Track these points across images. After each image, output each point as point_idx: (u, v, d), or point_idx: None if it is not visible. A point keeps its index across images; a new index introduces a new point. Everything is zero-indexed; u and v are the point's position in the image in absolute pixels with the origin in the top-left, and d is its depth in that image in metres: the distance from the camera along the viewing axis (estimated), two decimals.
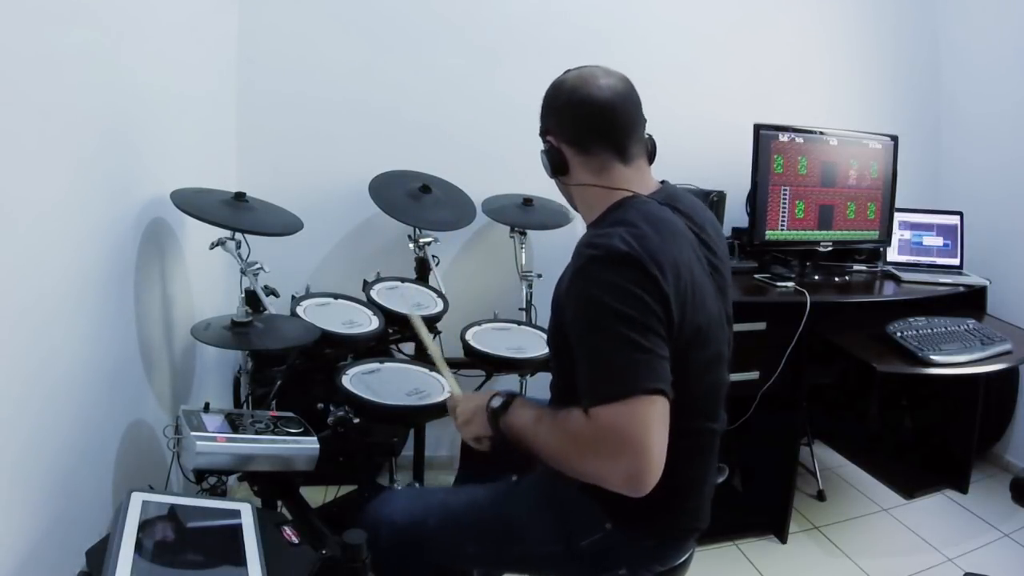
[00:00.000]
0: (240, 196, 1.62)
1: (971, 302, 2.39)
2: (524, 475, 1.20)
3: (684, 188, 1.19)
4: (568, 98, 1.09)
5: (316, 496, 1.70)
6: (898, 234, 2.55)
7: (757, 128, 2.22)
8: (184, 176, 1.69)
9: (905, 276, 2.40)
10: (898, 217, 2.51)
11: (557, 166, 1.12)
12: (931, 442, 2.64)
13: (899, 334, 2.01)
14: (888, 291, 2.32)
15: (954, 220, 2.55)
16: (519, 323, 2.05)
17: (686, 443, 1.06)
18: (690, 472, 1.10)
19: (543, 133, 1.14)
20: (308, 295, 1.86)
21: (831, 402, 2.61)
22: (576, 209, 1.19)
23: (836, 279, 2.37)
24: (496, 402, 1.09)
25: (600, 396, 0.91)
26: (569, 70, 1.14)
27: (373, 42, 2.27)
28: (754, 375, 2.02)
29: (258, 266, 1.64)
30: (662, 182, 1.16)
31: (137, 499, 0.98)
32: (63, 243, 1.19)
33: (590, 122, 1.09)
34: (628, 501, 0.92)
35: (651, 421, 0.90)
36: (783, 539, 2.16)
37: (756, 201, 2.24)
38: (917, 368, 1.91)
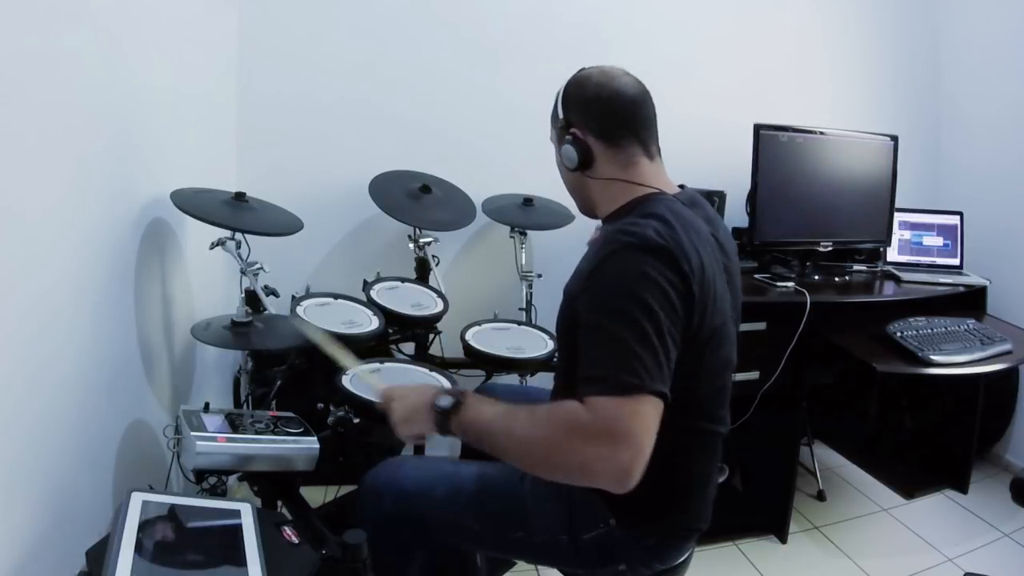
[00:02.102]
0: (240, 196, 1.62)
1: (971, 302, 2.39)
2: None
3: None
4: (598, 92, 1.10)
5: (316, 496, 1.70)
6: (898, 234, 2.55)
7: (757, 128, 2.21)
8: (184, 176, 1.69)
9: (905, 276, 2.39)
10: (898, 217, 2.51)
11: (584, 159, 1.11)
12: (931, 442, 2.64)
13: (899, 334, 2.01)
14: (888, 291, 2.32)
15: (954, 220, 2.55)
16: (519, 323, 2.05)
17: (689, 442, 1.06)
18: (693, 472, 1.10)
19: (565, 127, 1.12)
20: (308, 295, 1.86)
21: (831, 402, 2.61)
22: (587, 204, 1.18)
23: (836, 279, 2.37)
24: (445, 402, 1.01)
25: (609, 384, 0.89)
26: (585, 68, 1.14)
27: (373, 42, 2.27)
28: (754, 375, 2.02)
29: (258, 266, 1.64)
30: (680, 186, 1.16)
31: (137, 499, 0.98)
32: (63, 243, 1.19)
33: (620, 115, 1.09)
34: (632, 499, 0.92)
35: (651, 422, 0.89)
36: (783, 539, 2.16)
37: (756, 201, 2.24)
38: (917, 368, 1.91)
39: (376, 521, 1.06)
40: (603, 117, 1.10)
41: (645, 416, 0.89)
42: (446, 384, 1.55)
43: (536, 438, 0.94)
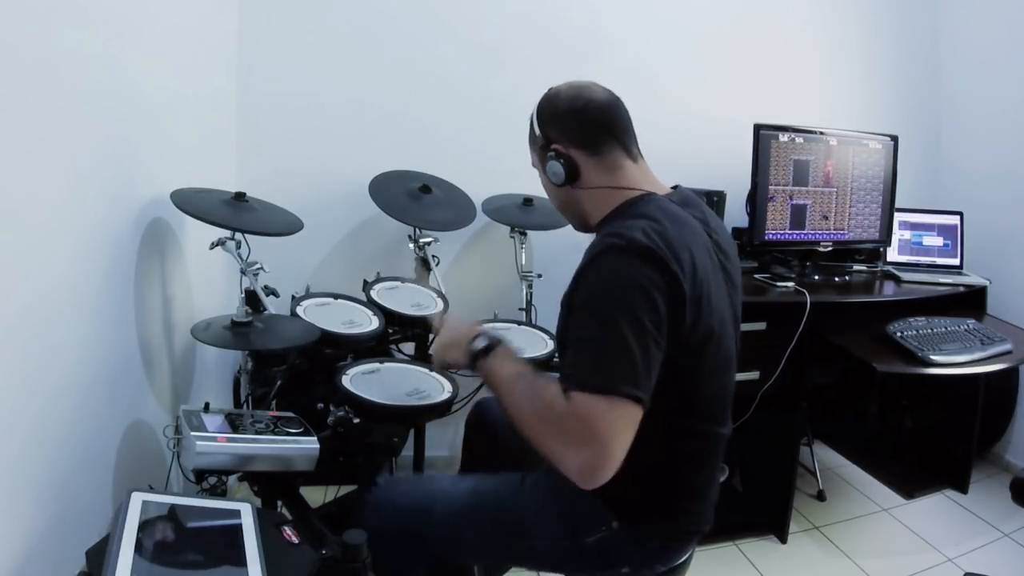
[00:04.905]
0: (240, 196, 1.62)
1: (971, 302, 2.39)
2: (530, 473, 1.20)
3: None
4: (571, 104, 1.10)
5: (316, 496, 1.70)
6: (898, 234, 2.55)
7: (757, 128, 2.22)
8: (184, 176, 1.69)
9: (905, 276, 2.40)
10: (898, 217, 2.51)
11: (571, 173, 1.10)
12: (931, 442, 2.64)
13: (899, 334, 2.01)
14: (888, 291, 2.32)
15: (954, 220, 2.55)
16: (519, 323, 2.05)
17: (692, 445, 1.06)
18: (695, 474, 1.10)
19: (545, 144, 1.12)
20: (308, 295, 1.86)
21: (831, 402, 2.61)
22: (580, 218, 1.17)
23: (836, 279, 2.37)
24: (480, 343, 1.08)
25: (583, 382, 0.91)
26: (552, 86, 1.15)
27: (373, 42, 2.27)
28: (754, 375, 2.02)
29: (258, 266, 1.64)
30: (674, 187, 1.16)
31: (137, 499, 0.98)
32: (63, 243, 1.18)
33: (597, 121, 1.09)
34: (635, 501, 0.92)
35: (621, 424, 0.90)
36: (783, 539, 2.16)
37: (756, 201, 2.24)
38: (917, 368, 1.92)
39: (375, 540, 1.07)
40: (581, 126, 1.10)
41: (613, 416, 0.89)
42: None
43: (525, 410, 0.99)
